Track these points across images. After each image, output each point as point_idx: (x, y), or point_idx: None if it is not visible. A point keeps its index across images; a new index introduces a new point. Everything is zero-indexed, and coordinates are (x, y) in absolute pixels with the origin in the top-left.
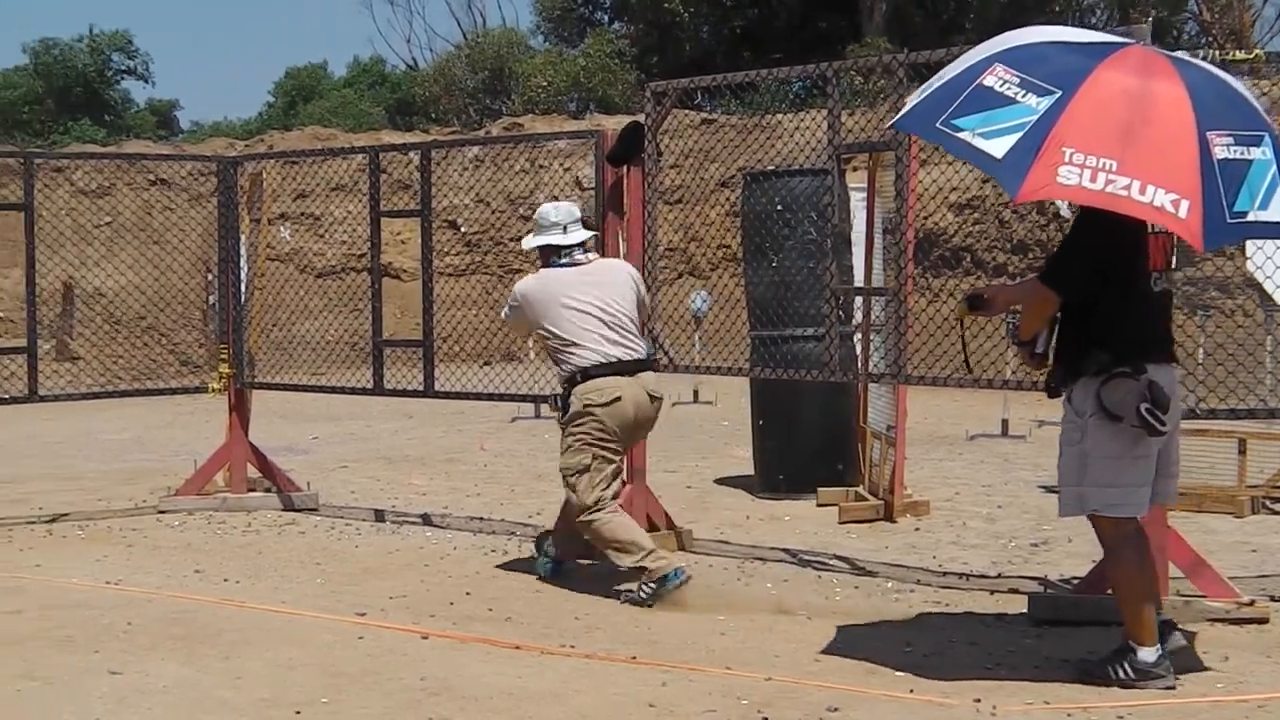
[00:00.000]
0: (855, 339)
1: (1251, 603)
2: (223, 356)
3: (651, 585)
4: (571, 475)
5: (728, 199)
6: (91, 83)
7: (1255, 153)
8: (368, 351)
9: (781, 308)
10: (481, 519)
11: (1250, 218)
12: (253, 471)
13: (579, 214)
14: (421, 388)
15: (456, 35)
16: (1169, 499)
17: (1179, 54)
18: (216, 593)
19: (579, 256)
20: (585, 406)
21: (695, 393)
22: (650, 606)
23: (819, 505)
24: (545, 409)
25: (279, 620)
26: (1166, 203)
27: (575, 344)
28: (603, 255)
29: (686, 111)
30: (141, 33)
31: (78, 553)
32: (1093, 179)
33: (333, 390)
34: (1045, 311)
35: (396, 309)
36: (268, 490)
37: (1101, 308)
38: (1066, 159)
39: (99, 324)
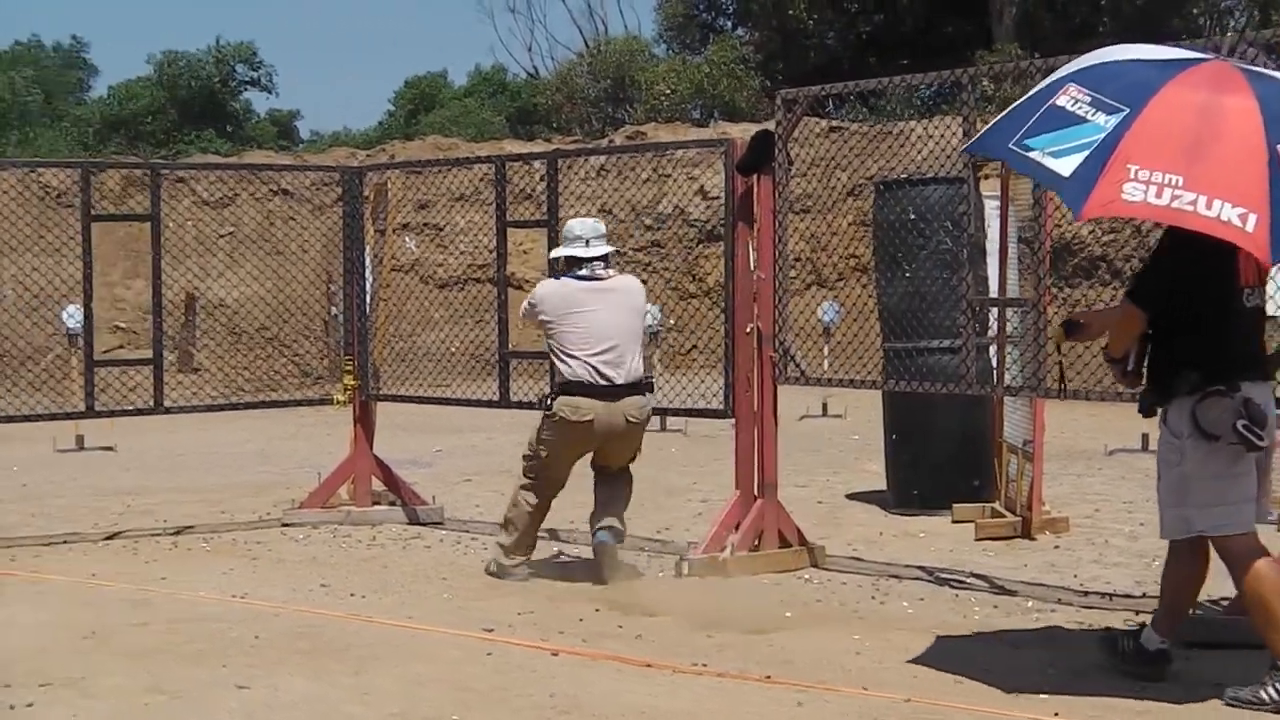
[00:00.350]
0: (991, 351)
1: None
2: (348, 368)
3: (495, 565)
4: (528, 453)
5: (856, 208)
6: (215, 94)
7: None
8: (491, 363)
9: (916, 319)
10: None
11: None
12: (377, 485)
13: (603, 230)
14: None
15: (578, 43)
16: (1261, 518)
17: (1258, 67)
18: (343, 607)
19: (599, 271)
20: (560, 417)
21: (824, 406)
22: (491, 573)
23: (954, 522)
24: (672, 422)
25: (406, 636)
26: (1234, 217)
27: (572, 356)
28: (730, 266)
29: (814, 119)
30: (265, 44)
31: (203, 566)
32: (1158, 195)
33: (457, 403)
34: (1132, 329)
35: (520, 320)
36: (392, 504)
37: (1190, 326)
38: (1132, 175)
39: (221, 335)
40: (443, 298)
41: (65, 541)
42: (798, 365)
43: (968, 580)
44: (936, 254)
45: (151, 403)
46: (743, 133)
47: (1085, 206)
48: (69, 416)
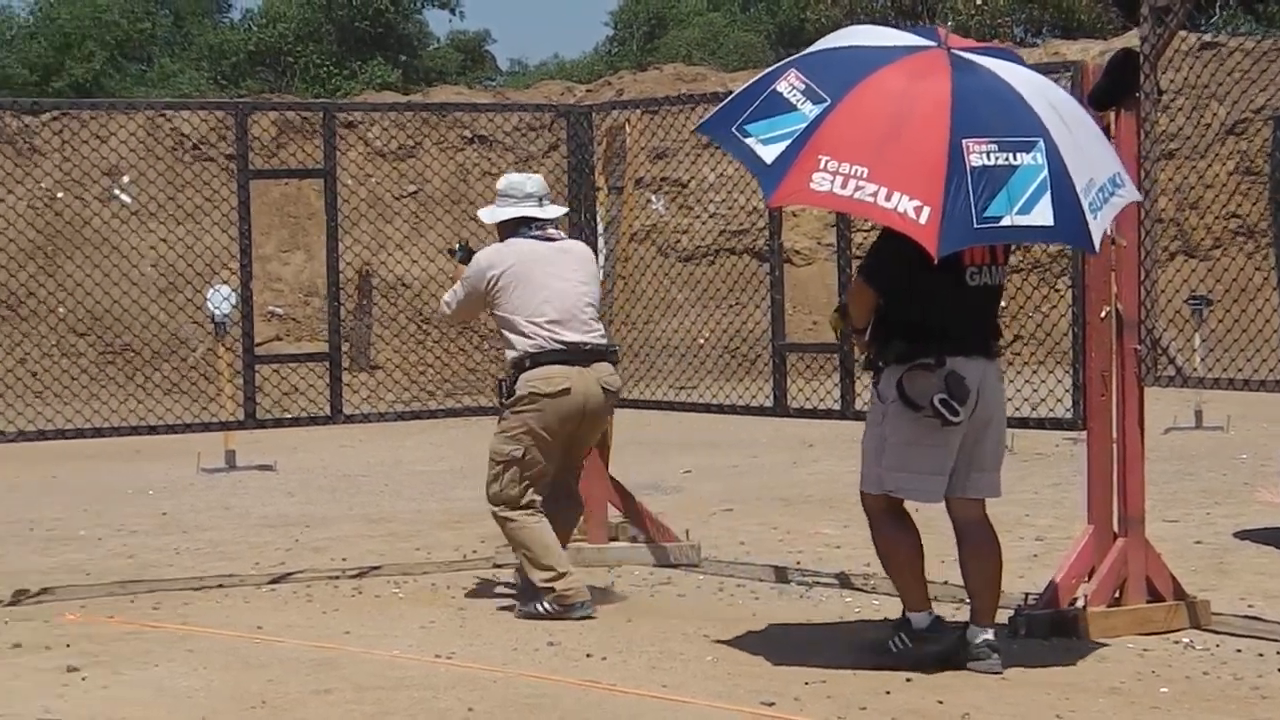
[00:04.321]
0: None
1: None
2: None
3: (557, 607)
4: (500, 461)
5: (1240, 150)
6: (383, 13)
7: (1023, 158)
8: (751, 358)
9: None
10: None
11: (1005, 222)
12: (614, 515)
13: (549, 189)
14: (838, 405)
15: None
16: (987, 492)
17: (985, 55)
18: (577, 672)
19: (552, 231)
20: (530, 394)
21: (1198, 414)
22: (538, 615)
23: None
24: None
25: (661, 709)
26: (910, 209)
27: (534, 324)
28: None
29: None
30: None
31: (397, 617)
32: (844, 185)
33: (719, 410)
34: (865, 302)
35: (786, 302)
36: (634, 540)
37: (902, 300)
38: (821, 166)
39: (403, 323)
40: (687, 273)
41: (220, 585)
42: (1171, 360)
43: None
44: None
45: (328, 409)
46: (1082, 52)
47: (775, 194)
48: (225, 426)
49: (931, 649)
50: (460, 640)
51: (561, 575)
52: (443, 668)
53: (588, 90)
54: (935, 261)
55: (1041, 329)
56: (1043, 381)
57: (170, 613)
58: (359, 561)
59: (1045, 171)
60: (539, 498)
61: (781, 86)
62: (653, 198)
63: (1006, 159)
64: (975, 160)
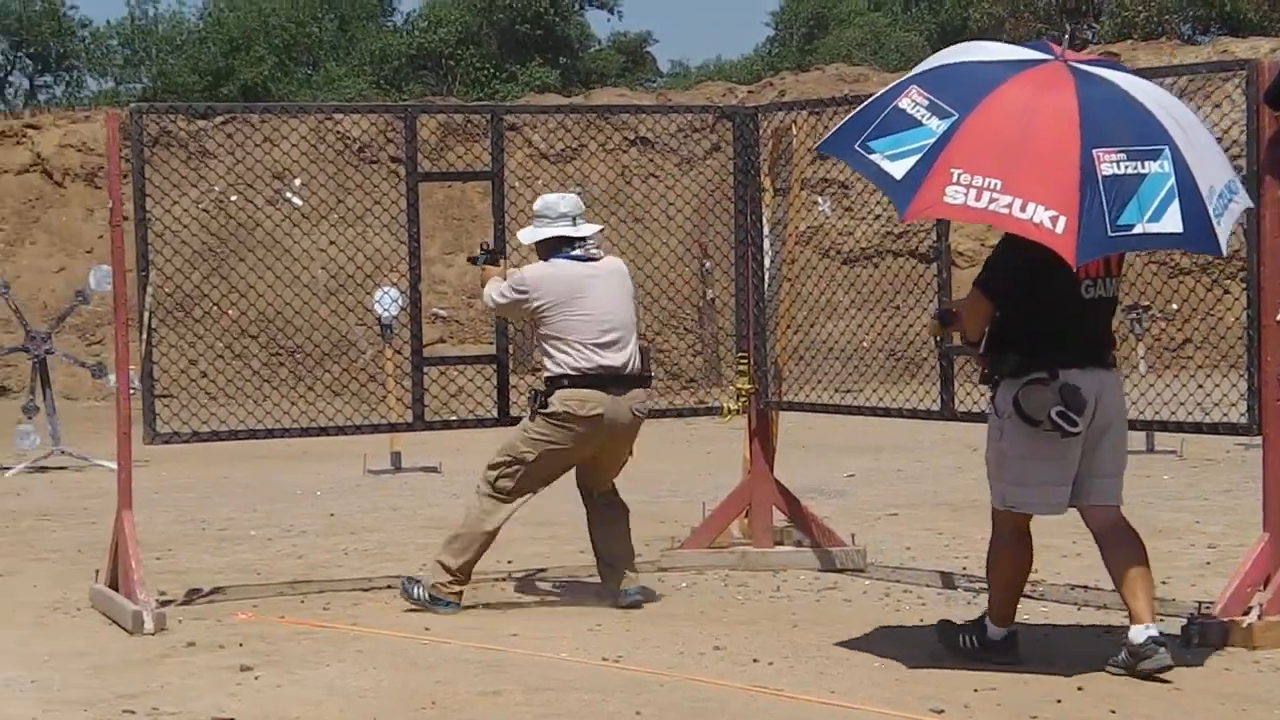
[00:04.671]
0: None
1: None
2: (741, 368)
3: (427, 597)
4: (511, 456)
5: None
6: (543, 16)
7: (1150, 166)
8: (915, 361)
9: None
10: (1085, 587)
11: (1137, 230)
12: (778, 518)
13: (583, 206)
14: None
15: None
16: (1109, 498)
17: (1099, 66)
18: (744, 676)
19: (593, 251)
20: (565, 412)
21: None
22: (411, 598)
23: None
24: (1160, 440)
25: (829, 715)
26: (1045, 219)
27: (573, 346)
28: (1256, 230)
29: None
30: None
31: (563, 620)
32: (977, 198)
33: (884, 413)
34: (980, 314)
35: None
36: (799, 544)
37: (1019, 313)
38: (954, 179)
39: None
40: (850, 276)
41: (389, 586)
42: None
43: None
44: None
45: (495, 411)
46: (1251, 50)
47: (909, 209)
48: (394, 428)
49: (995, 659)
50: (626, 644)
51: (455, 578)
52: (610, 671)
53: (749, 91)
54: (1075, 270)
55: (1215, 332)
56: (1216, 386)
57: (340, 613)
58: (524, 564)
59: (1172, 179)
60: (517, 502)
61: (904, 103)
62: (819, 199)
63: (1135, 168)
64: (1106, 170)
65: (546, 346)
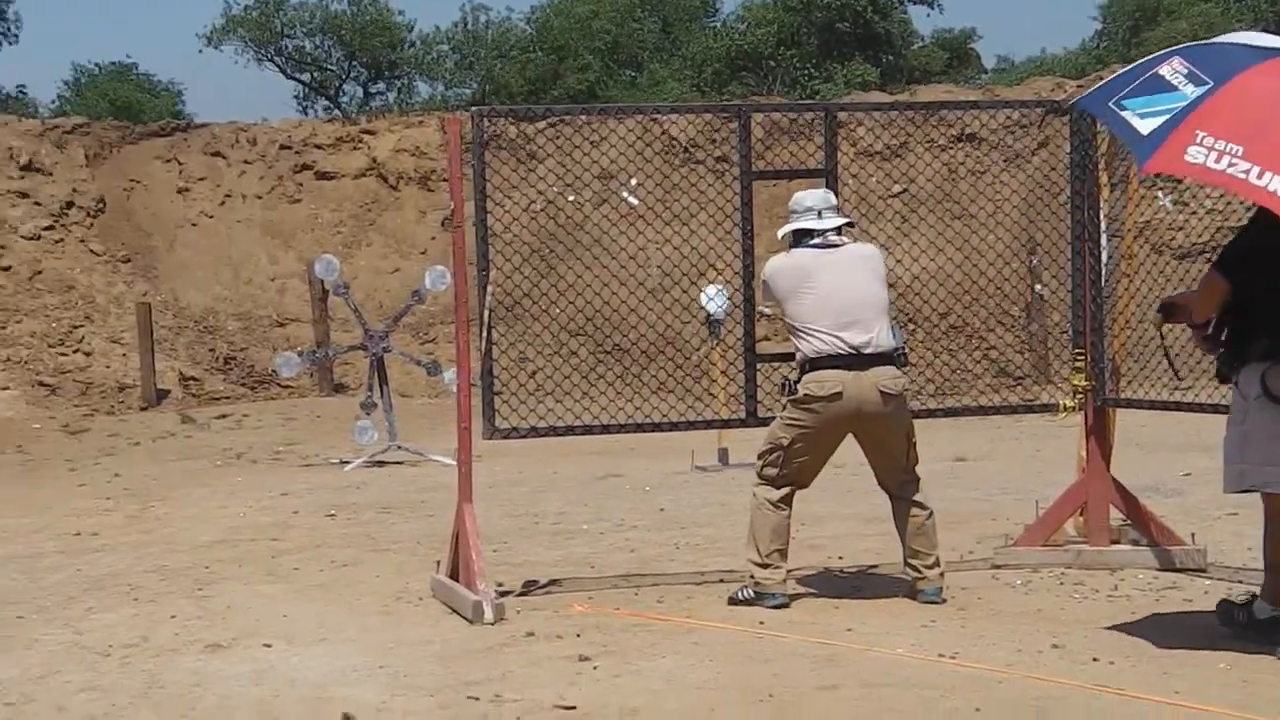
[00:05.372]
0: None
1: None
2: (1078, 365)
3: (751, 594)
4: (771, 444)
5: None
6: (862, 14)
7: None
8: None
9: None
10: None
11: None
12: (1114, 517)
13: (835, 202)
14: None
15: None
16: None
17: None
18: (1085, 675)
19: (833, 239)
20: (806, 396)
21: None
22: (738, 602)
23: None
24: None
25: (1174, 716)
26: None
27: (812, 330)
28: None
29: None
30: None
31: (897, 616)
32: (1217, 160)
33: (1216, 410)
34: (1215, 296)
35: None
36: (1135, 543)
37: (1267, 295)
38: (1197, 140)
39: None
40: (1183, 271)
41: (721, 580)
42: None
43: None
44: None
45: None
46: None
47: (1149, 163)
48: (727, 425)
49: (1255, 638)
50: (963, 640)
51: (765, 565)
52: (948, 667)
53: (1079, 85)
54: None
55: None
56: None
57: (674, 606)
58: (855, 560)
59: None
60: (793, 489)
61: (1164, 70)
62: (1159, 194)
63: None
64: None
65: (791, 334)
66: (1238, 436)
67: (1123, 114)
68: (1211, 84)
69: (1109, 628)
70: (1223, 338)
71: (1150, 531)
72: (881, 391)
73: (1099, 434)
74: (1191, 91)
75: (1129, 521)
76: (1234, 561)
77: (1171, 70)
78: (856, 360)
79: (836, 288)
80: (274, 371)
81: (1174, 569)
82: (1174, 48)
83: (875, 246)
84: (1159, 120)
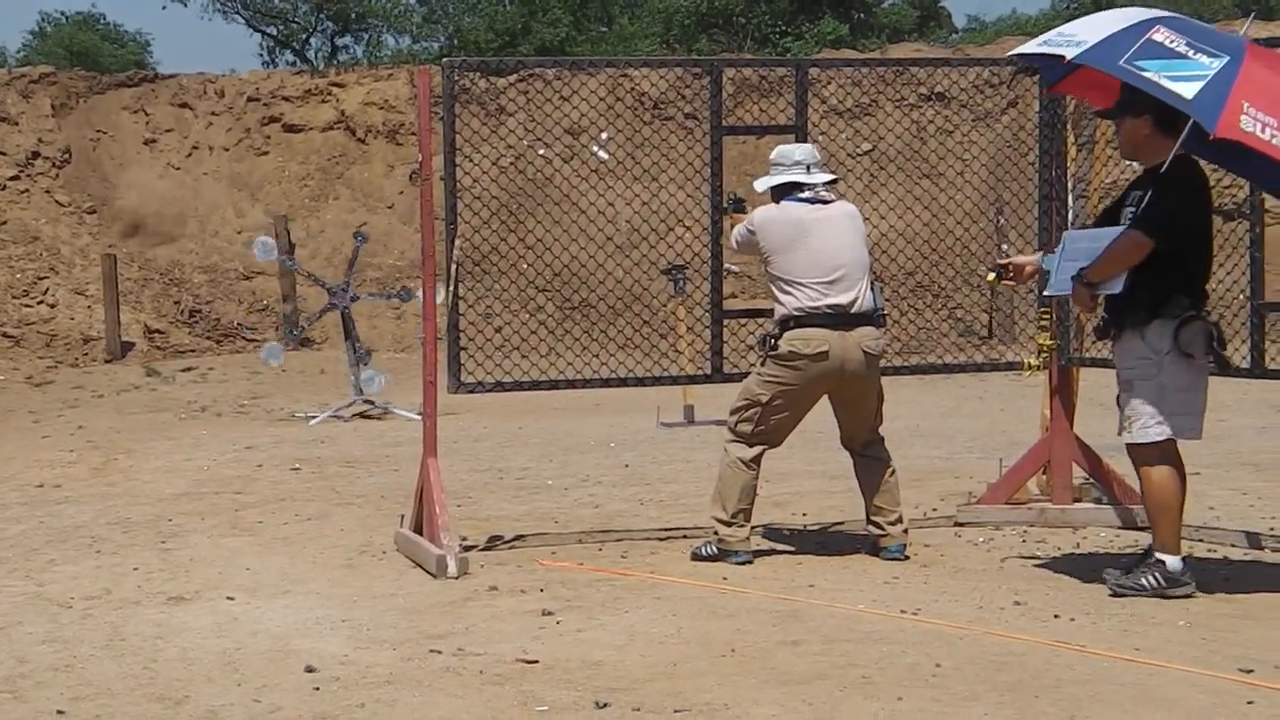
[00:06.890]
0: None
1: None
2: (1043, 324)
3: (714, 550)
4: (747, 399)
5: None
6: None
7: None
8: (1225, 319)
9: None
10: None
11: None
12: (1076, 474)
13: (819, 157)
14: None
15: None
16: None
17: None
18: (1045, 632)
19: (823, 194)
20: (790, 352)
21: None
22: (702, 558)
23: None
24: None
25: (1134, 672)
26: None
27: (798, 285)
28: None
29: None
30: None
31: (859, 572)
32: (1263, 130)
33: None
34: (1135, 257)
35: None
36: (1098, 501)
37: (1187, 256)
38: (1245, 110)
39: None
40: None
41: (685, 536)
42: None
43: None
44: None
45: None
46: None
47: (1217, 127)
48: (692, 380)
49: (1179, 593)
50: (925, 597)
51: (730, 524)
52: (909, 623)
53: None
54: None
55: None
56: None
57: (638, 561)
58: (819, 517)
59: None
60: (764, 448)
61: (1158, 37)
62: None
63: None
64: None
65: (774, 288)
66: (1154, 389)
67: (1147, 75)
68: (1228, 57)
69: (1071, 585)
70: (1118, 295)
71: (1113, 490)
72: (864, 351)
73: (1063, 393)
74: (1209, 62)
75: (1092, 480)
76: (1195, 520)
77: (1167, 38)
78: (841, 319)
79: (828, 244)
80: (265, 362)
81: (1136, 528)
82: (1145, 18)
83: (853, 206)
84: (1196, 85)
